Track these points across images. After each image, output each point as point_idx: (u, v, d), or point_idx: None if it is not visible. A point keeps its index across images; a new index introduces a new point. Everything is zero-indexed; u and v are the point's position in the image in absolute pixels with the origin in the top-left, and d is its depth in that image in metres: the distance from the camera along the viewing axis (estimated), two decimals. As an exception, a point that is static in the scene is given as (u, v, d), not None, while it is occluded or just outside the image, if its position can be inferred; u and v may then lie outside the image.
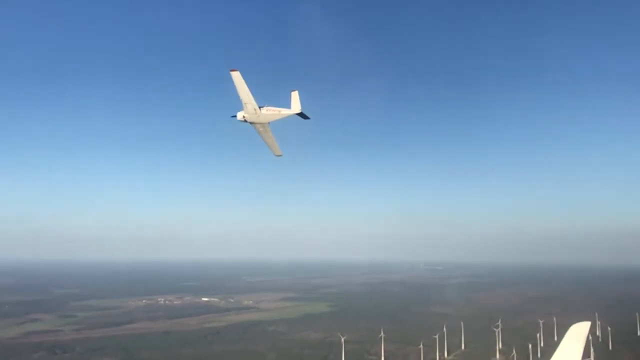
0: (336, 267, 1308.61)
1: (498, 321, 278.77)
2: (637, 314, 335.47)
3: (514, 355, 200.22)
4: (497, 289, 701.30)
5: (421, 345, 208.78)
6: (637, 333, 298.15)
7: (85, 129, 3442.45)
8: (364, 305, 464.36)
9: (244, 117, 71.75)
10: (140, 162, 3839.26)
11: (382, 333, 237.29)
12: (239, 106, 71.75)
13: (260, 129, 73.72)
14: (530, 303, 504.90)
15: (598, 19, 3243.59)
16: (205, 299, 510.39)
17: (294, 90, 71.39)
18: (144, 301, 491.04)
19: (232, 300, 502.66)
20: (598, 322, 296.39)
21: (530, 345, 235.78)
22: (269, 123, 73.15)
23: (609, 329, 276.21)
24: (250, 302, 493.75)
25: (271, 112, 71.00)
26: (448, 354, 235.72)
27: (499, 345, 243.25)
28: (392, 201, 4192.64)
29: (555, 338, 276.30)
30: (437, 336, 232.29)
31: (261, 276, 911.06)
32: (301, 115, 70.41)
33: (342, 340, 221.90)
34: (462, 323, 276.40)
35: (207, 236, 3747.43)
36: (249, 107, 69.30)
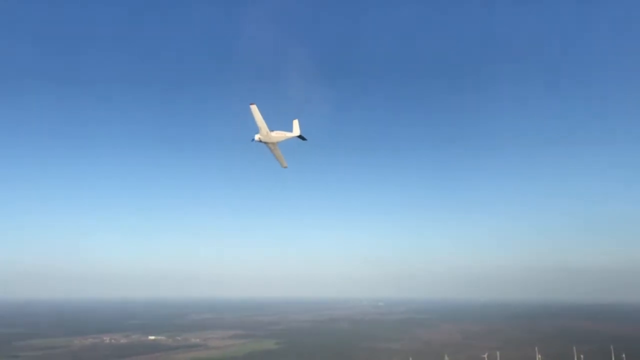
0: (281, 304, 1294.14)
1: (444, 357, 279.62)
2: (573, 347, 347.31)
3: None
4: (438, 324, 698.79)
5: None
6: None
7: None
8: (311, 342, 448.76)
9: (259, 138, 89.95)
10: (87, 198, 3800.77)
11: None
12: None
13: (271, 147, 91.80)
14: (472, 338, 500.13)
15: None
16: (152, 338, 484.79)
17: (295, 119, 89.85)
18: (89, 340, 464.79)
19: (179, 339, 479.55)
20: (539, 356, 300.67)
21: None
22: (277, 143, 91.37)
23: None
24: (198, 339, 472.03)
25: (279, 135, 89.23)
26: None
27: None
28: (330, 241, 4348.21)
29: None
30: None
31: (208, 314, 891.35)
32: (300, 137, 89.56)
33: None
34: (410, 358, 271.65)
35: (153, 274, 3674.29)
36: (263, 131, 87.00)
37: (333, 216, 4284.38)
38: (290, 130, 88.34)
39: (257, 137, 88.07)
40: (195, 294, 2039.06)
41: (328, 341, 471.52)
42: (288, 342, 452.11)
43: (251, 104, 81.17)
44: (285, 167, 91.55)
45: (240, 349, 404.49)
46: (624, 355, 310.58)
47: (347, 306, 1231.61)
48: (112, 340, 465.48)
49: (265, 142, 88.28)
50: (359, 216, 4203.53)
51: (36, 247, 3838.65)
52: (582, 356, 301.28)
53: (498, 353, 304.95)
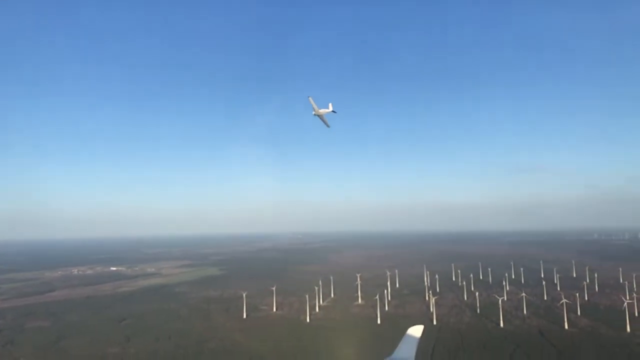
0: (219, 239, 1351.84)
1: (357, 274, 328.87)
2: (452, 264, 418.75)
3: (376, 299, 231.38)
4: (348, 251, 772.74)
5: (307, 296, 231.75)
6: (452, 279, 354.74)
7: None
8: (250, 267, 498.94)
9: (314, 114, 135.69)
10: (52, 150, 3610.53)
11: (274, 287, 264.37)
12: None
13: (322, 117, 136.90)
14: (374, 260, 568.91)
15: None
16: (114, 269, 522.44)
17: (330, 103, 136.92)
18: (59, 272, 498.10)
19: (137, 269, 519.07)
20: (427, 272, 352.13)
21: (385, 290, 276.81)
22: (324, 115, 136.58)
23: (437, 276, 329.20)
24: (153, 269, 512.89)
25: (323, 111, 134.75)
26: (323, 301, 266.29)
27: (359, 292, 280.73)
28: (259, 180, 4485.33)
29: (397, 285, 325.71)
30: (317, 288, 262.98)
31: (158, 248, 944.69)
32: (333, 112, 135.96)
33: (244, 295, 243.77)
34: (331, 277, 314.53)
35: (110, 216, 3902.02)
36: (315, 108, 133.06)
37: (258, 162, 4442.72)
38: (328, 107, 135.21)
39: (313, 113, 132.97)
40: (143, 232, 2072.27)
41: (262, 266, 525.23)
42: (229, 269, 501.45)
43: (309, 96, 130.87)
44: (329, 127, 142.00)
45: (191, 275, 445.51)
46: (489, 269, 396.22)
47: (273, 239, 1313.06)
48: (80, 272, 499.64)
49: (318, 115, 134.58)
50: (281, 163, 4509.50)
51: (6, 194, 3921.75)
52: (459, 271, 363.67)
53: (396, 271, 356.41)
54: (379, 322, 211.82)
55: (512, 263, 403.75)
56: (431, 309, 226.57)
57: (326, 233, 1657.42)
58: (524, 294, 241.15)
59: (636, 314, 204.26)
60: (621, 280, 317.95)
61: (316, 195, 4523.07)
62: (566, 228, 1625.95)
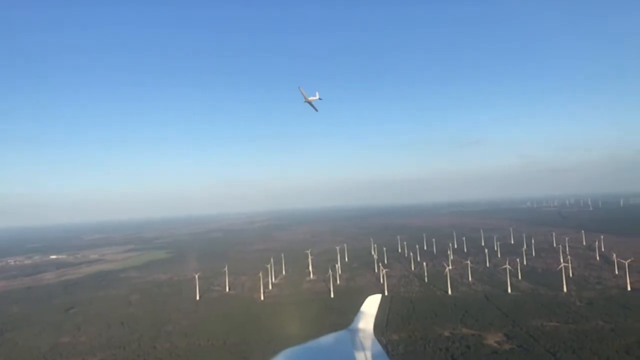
0: (160, 223, 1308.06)
1: (307, 251, 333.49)
2: (398, 237, 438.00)
3: (329, 275, 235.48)
4: (293, 228, 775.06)
5: (260, 274, 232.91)
6: (398, 250, 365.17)
7: None
8: (196, 249, 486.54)
9: (305, 101, 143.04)
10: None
11: (225, 268, 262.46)
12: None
13: (311, 103, 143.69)
14: (320, 236, 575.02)
15: None
16: (54, 257, 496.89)
17: (317, 91, 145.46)
18: None
19: (79, 256, 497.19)
20: (374, 245, 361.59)
21: (336, 265, 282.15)
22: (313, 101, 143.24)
23: (384, 249, 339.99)
24: (96, 256, 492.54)
25: (312, 98, 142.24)
26: (275, 279, 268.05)
27: (311, 267, 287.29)
28: (200, 161, 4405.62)
29: (347, 259, 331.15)
30: (268, 266, 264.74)
31: (97, 234, 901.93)
32: (320, 99, 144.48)
33: (197, 276, 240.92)
34: (282, 254, 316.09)
35: (41, 203, 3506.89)
36: (305, 96, 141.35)
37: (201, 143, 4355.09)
38: (317, 96, 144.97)
39: (304, 100, 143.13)
40: (80, 219, 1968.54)
41: (208, 246, 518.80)
42: (177, 251, 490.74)
43: (299, 87, 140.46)
44: (317, 111, 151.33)
45: (138, 260, 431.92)
46: (433, 240, 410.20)
47: (217, 220, 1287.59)
48: (17, 262, 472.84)
49: (308, 102, 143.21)
50: (225, 145, 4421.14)
51: None
52: (405, 243, 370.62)
53: (345, 245, 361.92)
54: (332, 295, 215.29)
55: (454, 233, 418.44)
56: (381, 281, 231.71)
57: (271, 211, 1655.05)
58: (468, 262, 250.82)
59: (571, 275, 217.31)
60: (554, 245, 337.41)
61: (259, 174, 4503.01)
62: (501, 198, 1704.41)
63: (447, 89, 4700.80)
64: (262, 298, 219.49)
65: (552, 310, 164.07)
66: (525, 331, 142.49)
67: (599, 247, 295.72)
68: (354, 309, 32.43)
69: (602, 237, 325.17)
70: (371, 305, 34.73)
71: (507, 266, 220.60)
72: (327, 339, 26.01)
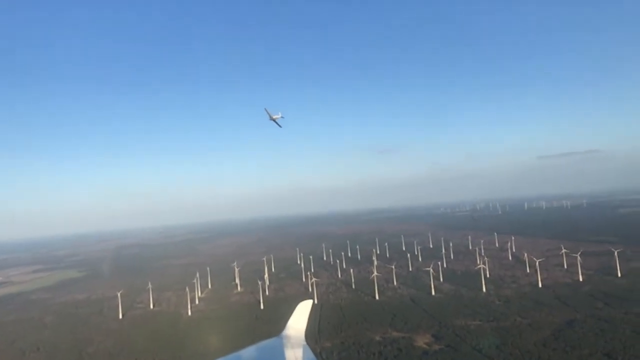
0: (70, 240, 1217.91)
1: (233, 263, 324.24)
2: (323, 245, 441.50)
3: (259, 286, 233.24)
4: (216, 240, 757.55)
5: (187, 289, 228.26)
6: (324, 258, 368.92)
7: None
8: (113, 266, 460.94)
9: (270, 119, 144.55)
10: None
11: (149, 283, 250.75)
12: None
13: (275, 121, 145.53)
14: (246, 247, 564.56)
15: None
16: None
17: (280, 110, 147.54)
18: None
19: None
20: (300, 254, 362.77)
21: (265, 277, 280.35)
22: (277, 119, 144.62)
23: (310, 257, 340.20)
24: (1, 278, 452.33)
25: (275, 116, 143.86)
26: (201, 293, 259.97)
27: (238, 280, 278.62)
28: (110, 174, 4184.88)
29: (273, 270, 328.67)
30: (195, 280, 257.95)
31: (1, 255, 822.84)
32: (282, 117, 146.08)
33: (119, 294, 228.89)
34: (208, 268, 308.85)
35: None
36: (270, 115, 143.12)
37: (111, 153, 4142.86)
38: (280, 114, 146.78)
39: (269, 119, 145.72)
40: None
41: (127, 263, 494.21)
42: (90, 269, 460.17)
43: (265, 108, 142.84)
44: (280, 127, 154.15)
45: (49, 280, 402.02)
46: (357, 246, 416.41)
47: (133, 235, 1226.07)
48: None
49: (272, 120, 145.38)
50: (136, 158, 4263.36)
51: None
52: (330, 250, 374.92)
53: (271, 255, 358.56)
54: (262, 307, 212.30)
55: (376, 239, 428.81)
56: (310, 289, 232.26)
57: (190, 225, 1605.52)
58: (393, 267, 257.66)
59: (488, 275, 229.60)
60: (470, 247, 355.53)
61: (176, 187, 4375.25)
62: (418, 204, 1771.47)
63: (360, 97, 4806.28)
64: (189, 313, 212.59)
65: (474, 309, 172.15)
66: (452, 331, 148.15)
67: (511, 248, 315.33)
68: (285, 318, 33.49)
69: (512, 238, 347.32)
70: (302, 311, 35.48)
71: (430, 269, 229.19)
72: (259, 347, 26.47)
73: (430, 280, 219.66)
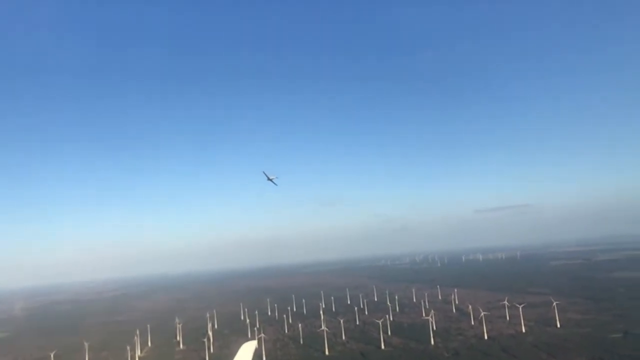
0: None
1: (174, 319, 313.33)
2: (267, 299, 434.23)
3: (205, 342, 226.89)
4: (152, 296, 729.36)
5: (128, 348, 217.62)
6: (268, 313, 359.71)
7: None
8: (41, 325, 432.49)
9: (267, 179, 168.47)
10: None
11: (85, 342, 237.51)
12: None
13: (272, 180, 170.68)
14: (185, 302, 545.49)
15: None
16: None
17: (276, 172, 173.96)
18: None
19: None
20: (245, 309, 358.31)
21: (207, 332, 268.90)
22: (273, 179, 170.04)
23: (256, 312, 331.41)
24: None
25: (272, 177, 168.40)
26: (141, 352, 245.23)
27: (180, 337, 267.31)
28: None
29: (216, 326, 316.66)
30: (136, 337, 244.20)
31: None
32: (277, 177, 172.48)
33: (52, 355, 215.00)
34: (147, 325, 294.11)
35: None
36: (268, 176, 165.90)
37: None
38: (276, 175, 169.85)
39: (266, 179, 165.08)
40: None
41: (56, 321, 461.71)
42: (16, 329, 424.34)
43: (263, 171, 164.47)
44: (276, 185, 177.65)
45: None
46: (303, 300, 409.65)
47: (60, 291, 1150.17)
48: None
49: (269, 179, 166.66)
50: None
51: None
52: (275, 305, 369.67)
53: (214, 311, 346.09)
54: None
55: (322, 293, 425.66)
56: (257, 346, 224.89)
57: (121, 279, 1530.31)
58: (341, 321, 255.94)
59: (434, 328, 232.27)
60: (414, 300, 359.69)
61: (103, 241, 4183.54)
62: (358, 256, 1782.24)
63: (302, 149, 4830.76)
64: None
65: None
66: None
67: (454, 300, 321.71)
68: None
69: (455, 290, 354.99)
70: (246, 352, 36.76)
71: (379, 322, 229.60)
72: None
73: (378, 334, 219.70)
